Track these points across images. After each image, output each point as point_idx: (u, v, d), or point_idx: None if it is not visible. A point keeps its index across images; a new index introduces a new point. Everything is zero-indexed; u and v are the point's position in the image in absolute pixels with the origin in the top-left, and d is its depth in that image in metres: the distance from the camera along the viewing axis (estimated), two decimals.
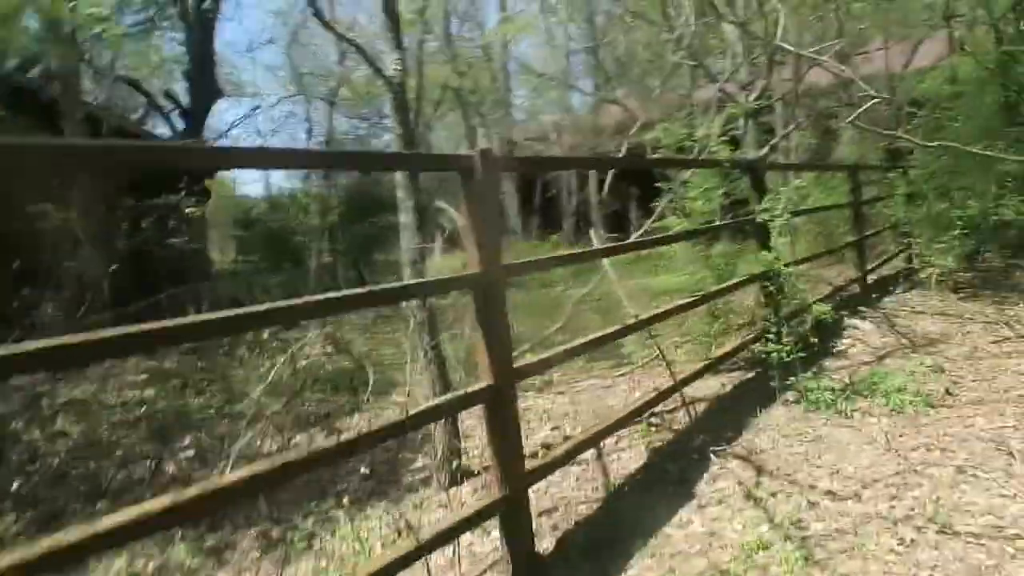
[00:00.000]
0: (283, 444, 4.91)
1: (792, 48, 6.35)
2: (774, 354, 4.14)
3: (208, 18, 11.61)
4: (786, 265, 4.71)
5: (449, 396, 2.52)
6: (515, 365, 2.75)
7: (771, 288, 4.66)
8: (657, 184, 5.54)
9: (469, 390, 2.55)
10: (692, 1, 6.24)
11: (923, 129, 11.36)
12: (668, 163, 5.10)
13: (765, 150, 6.11)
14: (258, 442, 4.79)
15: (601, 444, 3.62)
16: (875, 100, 11.20)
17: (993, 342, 5.34)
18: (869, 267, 7.78)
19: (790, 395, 4.29)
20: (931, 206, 7.43)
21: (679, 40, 6.04)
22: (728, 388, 4.64)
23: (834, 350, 5.35)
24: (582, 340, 3.12)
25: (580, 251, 3.26)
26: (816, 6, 11.30)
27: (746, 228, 5.06)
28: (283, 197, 20.43)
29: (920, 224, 7.64)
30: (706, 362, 4.34)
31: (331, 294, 2.10)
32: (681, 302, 4.09)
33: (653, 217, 5.02)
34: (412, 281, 2.42)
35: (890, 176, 8.67)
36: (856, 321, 5.93)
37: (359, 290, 2.22)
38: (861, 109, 7.39)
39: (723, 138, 5.29)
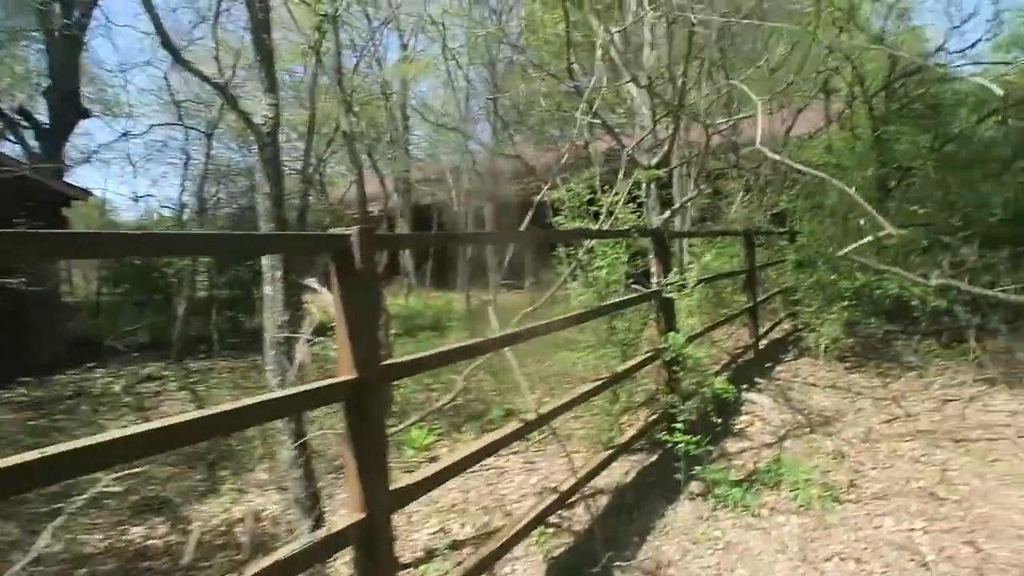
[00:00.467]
0: (114, 539, 4.10)
1: (699, 115, 6.33)
2: (680, 444, 3.84)
3: (74, 33, 10.50)
4: (690, 339, 4.48)
5: (306, 543, 1.97)
6: (393, 487, 2.25)
7: (676, 369, 4.40)
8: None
9: (334, 531, 2.02)
10: (601, 60, 6.10)
11: (801, 196, 11.96)
12: (574, 235, 4.77)
13: (667, 214, 5.96)
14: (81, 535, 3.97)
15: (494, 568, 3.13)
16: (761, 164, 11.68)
17: (885, 421, 5.33)
18: (760, 332, 7.81)
19: (696, 486, 3.99)
20: (820, 275, 7.56)
21: (582, 95, 5.81)
22: (631, 476, 4.29)
23: (735, 428, 5.16)
24: (474, 448, 2.67)
25: (476, 342, 2.81)
26: (709, 73, 11.66)
27: (651, 301, 4.81)
28: (157, 222, 18.89)
29: (809, 292, 7.77)
30: (609, 451, 3.98)
31: (147, 426, 1.53)
32: (584, 388, 3.72)
33: (556, 287, 4.66)
34: (263, 398, 1.86)
35: (780, 243, 8.86)
36: (754, 395, 5.81)
37: (190, 416, 1.66)
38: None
39: (627, 203, 5.07)
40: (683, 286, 4.64)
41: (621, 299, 4.31)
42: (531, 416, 3.12)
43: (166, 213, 14.86)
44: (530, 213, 4.47)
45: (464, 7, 18.54)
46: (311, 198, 17.34)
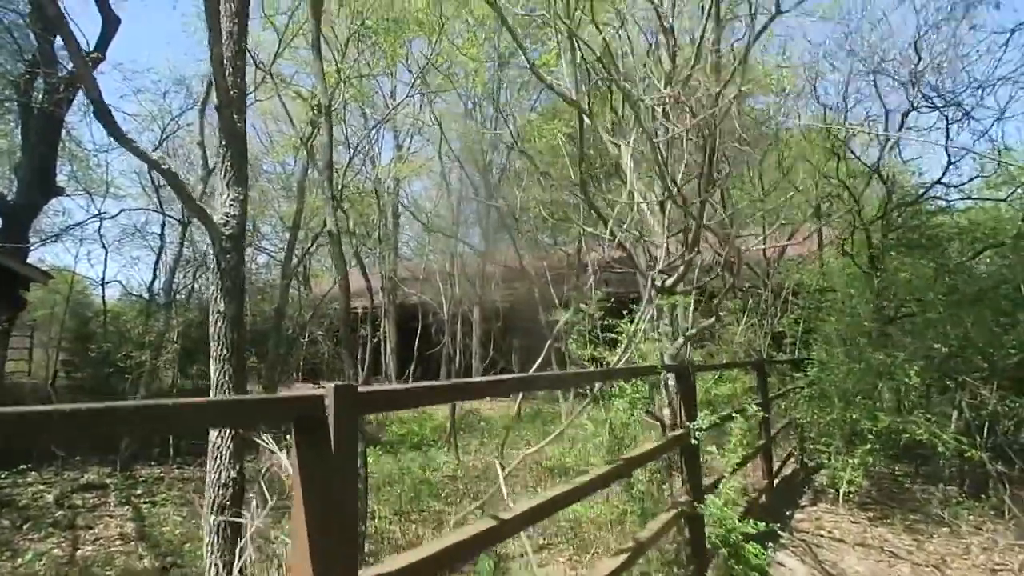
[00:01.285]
0: None
1: (721, 231, 5.98)
2: None
3: (51, 110, 10.17)
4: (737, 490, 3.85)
5: None
6: None
7: (712, 540, 3.74)
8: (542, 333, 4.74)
9: None
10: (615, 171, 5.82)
11: (802, 320, 11.61)
12: (599, 377, 4.18)
13: (679, 342, 5.46)
14: None
15: None
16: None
17: None
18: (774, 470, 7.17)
19: None
20: (837, 412, 7.02)
21: (593, 208, 5.43)
22: None
23: None
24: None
25: (492, 528, 2.17)
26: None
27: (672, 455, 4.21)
28: (130, 305, 18.00)
29: (826, 430, 7.21)
30: None
31: None
32: (609, 566, 3.04)
33: (566, 424, 4.06)
34: None
35: (793, 374, 8.38)
36: (782, 556, 5.11)
37: None
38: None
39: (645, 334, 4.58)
40: (719, 425, 4.06)
41: (647, 449, 3.69)
42: None
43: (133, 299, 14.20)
44: (547, 347, 3.91)
45: (461, 111, 18.78)
46: (292, 291, 16.80)
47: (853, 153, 12.71)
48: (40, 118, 10.28)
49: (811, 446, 7.70)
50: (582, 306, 4.79)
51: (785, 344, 11.86)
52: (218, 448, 2.47)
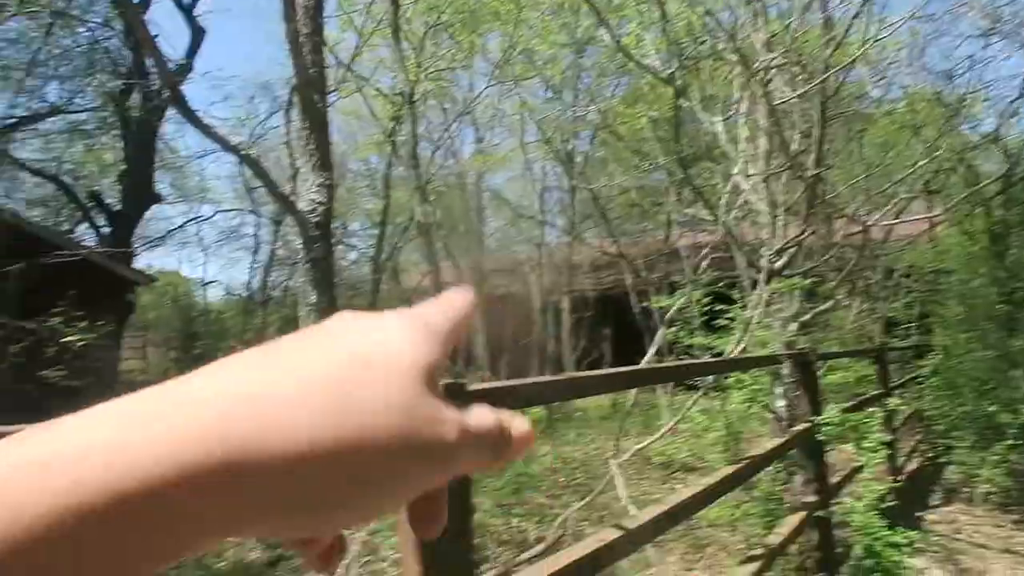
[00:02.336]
0: None
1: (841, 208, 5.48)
2: None
3: (149, 121, 10.62)
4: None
5: None
6: None
7: (847, 546, 3.35)
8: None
9: None
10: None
11: (917, 304, 10.74)
12: (714, 368, 3.79)
13: (793, 327, 5.03)
14: None
15: None
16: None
17: None
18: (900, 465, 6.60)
19: None
20: (970, 403, 6.38)
21: (692, 186, 5.08)
22: None
23: None
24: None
25: (611, 540, 1.94)
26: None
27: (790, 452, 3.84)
28: (231, 304, 18.77)
29: (957, 423, 6.57)
30: None
31: None
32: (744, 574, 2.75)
33: (679, 416, 3.75)
34: None
35: (912, 363, 7.72)
36: (917, 561, 4.62)
37: None
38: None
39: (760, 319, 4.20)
40: (847, 422, 3.68)
41: (771, 448, 3.35)
42: None
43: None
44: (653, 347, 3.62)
45: (541, 100, 18.51)
46: (383, 286, 17.04)
47: (970, 122, 11.63)
48: (137, 129, 10.75)
49: (939, 440, 7.04)
50: (688, 290, 4.44)
51: (898, 331, 10.99)
52: None
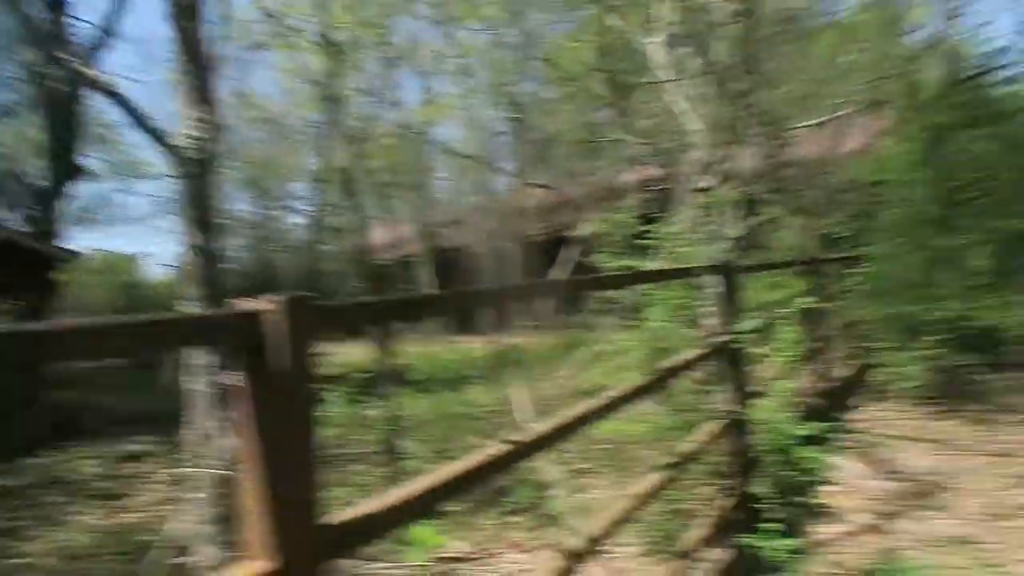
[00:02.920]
0: None
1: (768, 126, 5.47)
2: (771, 551, 2.95)
3: (70, 96, 10.17)
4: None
5: None
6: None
7: (757, 446, 3.49)
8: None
9: None
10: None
11: (856, 218, 10.96)
12: (627, 280, 3.81)
13: (727, 243, 5.14)
14: None
15: None
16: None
17: (1010, 487, 4.35)
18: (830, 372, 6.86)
19: None
20: (896, 306, 6.60)
21: (623, 114, 5.07)
22: None
23: (824, 504, 4.22)
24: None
25: (488, 460, 1.99)
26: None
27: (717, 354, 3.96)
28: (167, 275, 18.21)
29: (884, 326, 6.81)
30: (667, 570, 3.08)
31: None
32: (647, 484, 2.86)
33: (599, 343, 3.84)
34: None
35: (846, 269, 7.92)
36: (839, 458, 4.85)
37: None
38: None
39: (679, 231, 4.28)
40: (764, 329, 3.81)
41: (687, 358, 3.44)
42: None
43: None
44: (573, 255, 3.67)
45: (484, 44, 18.11)
46: (324, 246, 16.82)
47: (910, 29, 11.69)
48: (54, 100, 10.30)
49: (868, 345, 7.31)
50: (613, 214, 4.47)
51: (841, 246, 11.25)
52: (199, 395, 2.36)
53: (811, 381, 6.61)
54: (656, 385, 3.24)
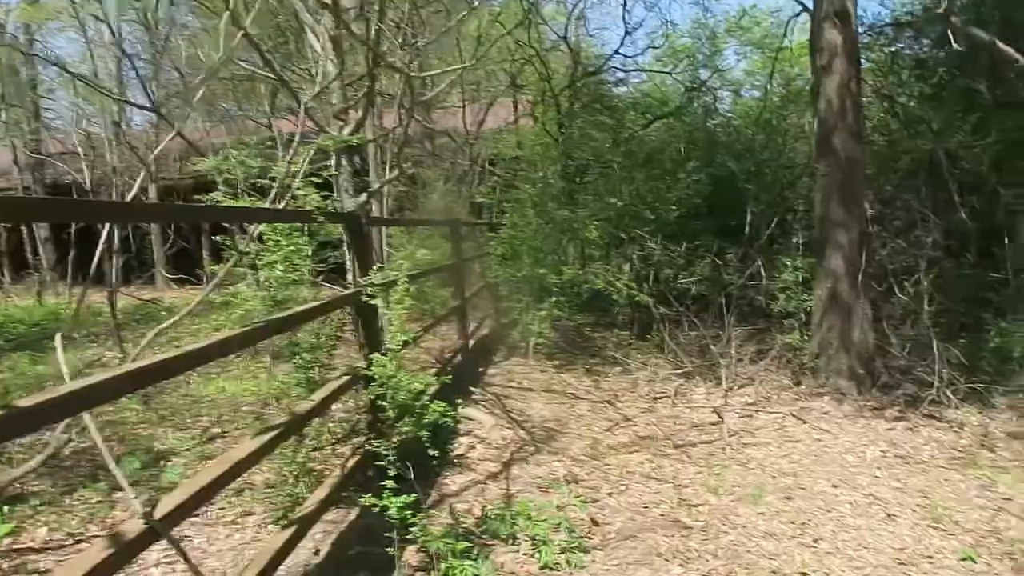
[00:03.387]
0: None
1: (401, 68, 5.24)
2: (392, 508, 2.76)
3: None
4: (398, 360, 3.41)
5: None
6: None
7: (383, 403, 3.28)
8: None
9: None
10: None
11: (499, 189, 11.80)
12: (232, 215, 3.29)
13: (363, 197, 4.88)
14: None
15: None
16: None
17: (607, 429, 4.92)
18: (469, 332, 7.16)
19: (414, 557, 2.96)
20: (527, 269, 7.13)
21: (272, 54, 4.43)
22: (326, 550, 3.10)
23: (453, 456, 4.25)
24: None
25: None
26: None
27: (345, 307, 3.66)
28: None
29: (518, 287, 7.32)
30: (292, 528, 2.74)
31: None
32: (252, 444, 2.43)
33: (210, 287, 3.24)
34: None
35: (487, 234, 8.35)
36: (472, 411, 4.99)
37: None
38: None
39: (312, 179, 3.86)
40: (391, 284, 3.59)
41: (303, 309, 3.06)
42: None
43: None
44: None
45: None
46: None
47: (543, 20, 12.78)
48: None
49: (505, 305, 7.84)
50: (232, 152, 3.85)
51: (489, 215, 12.01)
52: None
53: (458, 338, 6.80)
54: (265, 334, 2.82)
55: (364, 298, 3.55)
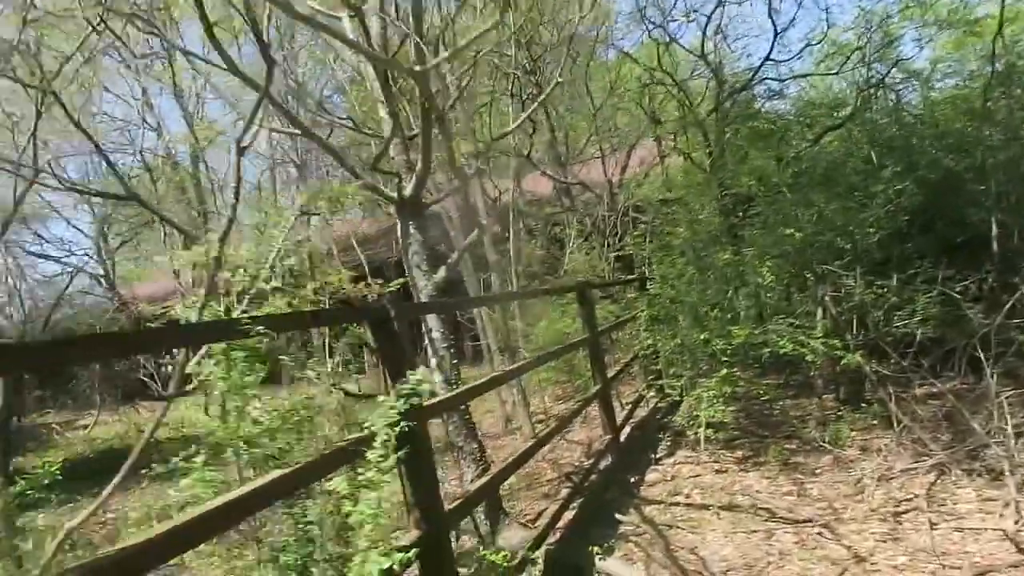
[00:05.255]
0: None
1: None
2: None
3: None
4: None
5: None
6: None
7: None
8: None
9: None
10: None
11: (648, 237, 10.23)
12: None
13: (441, 272, 3.69)
14: None
15: None
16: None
17: None
18: (620, 419, 5.65)
19: None
20: (684, 333, 5.52)
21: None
22: None
23: None
24: None
25: None
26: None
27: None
28: None
29: (674, 358, 5.72)
30: None
31: None
32: None
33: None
34: None
35: (631, 294, 6.87)
36: (612, 564, 3.45)
37: None
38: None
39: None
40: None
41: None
42: None
43: None
44: None
45: None
46: None
47: (678, 43, 11.33)
48: None
49: (664, 381, 6.24)
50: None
51: (637, 269, 10.48)
52: None
53: (603, 432, 5.35)
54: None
55: (400, 419, 2.22)
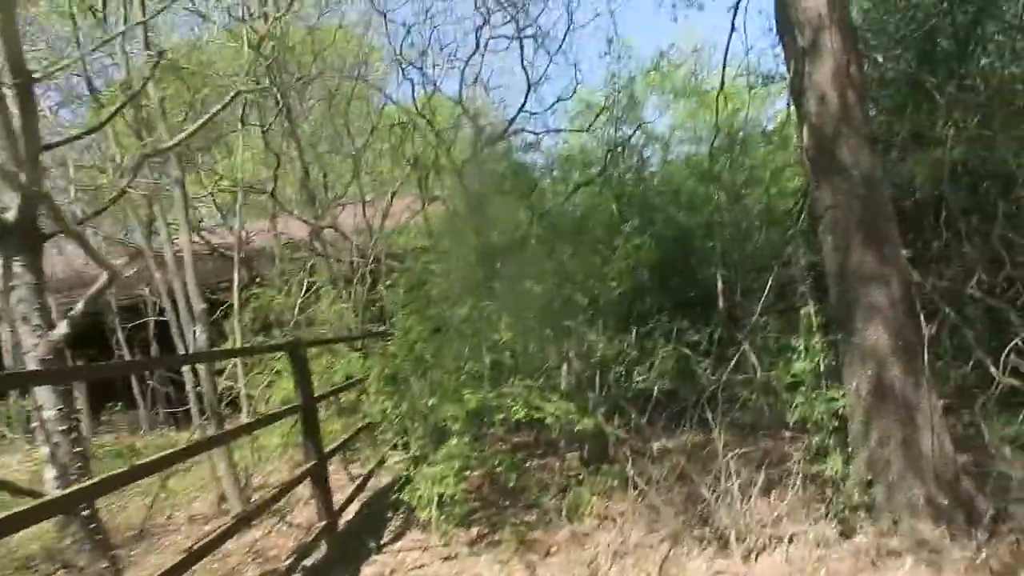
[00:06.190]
0: None
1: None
2: None
3: None
4: None
5: None
6: None
7: None
8: None
9: None
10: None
11: (401, 286, 9.56)
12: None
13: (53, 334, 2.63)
14: None
15: None
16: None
17: None
18: (349, 494, 4.79)
19: None
20: (415, 397, 4.82)
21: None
22: None
23: None
24: None
25: None
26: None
27: None
28: None
29: (403, 425, 5.00)
30: None
31: None
32: None
33: None
34: None
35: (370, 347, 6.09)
36: None
37: None
38: None
39: None
40: None
41: None
42: None
43: None
44: None
45: None
46: None
47: (439, 88, 11.02)
48: None
49: (390, 452, 5.50)
50: None
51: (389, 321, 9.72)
52: None
53: (318, 517, 4.43)
54: None
55: None
